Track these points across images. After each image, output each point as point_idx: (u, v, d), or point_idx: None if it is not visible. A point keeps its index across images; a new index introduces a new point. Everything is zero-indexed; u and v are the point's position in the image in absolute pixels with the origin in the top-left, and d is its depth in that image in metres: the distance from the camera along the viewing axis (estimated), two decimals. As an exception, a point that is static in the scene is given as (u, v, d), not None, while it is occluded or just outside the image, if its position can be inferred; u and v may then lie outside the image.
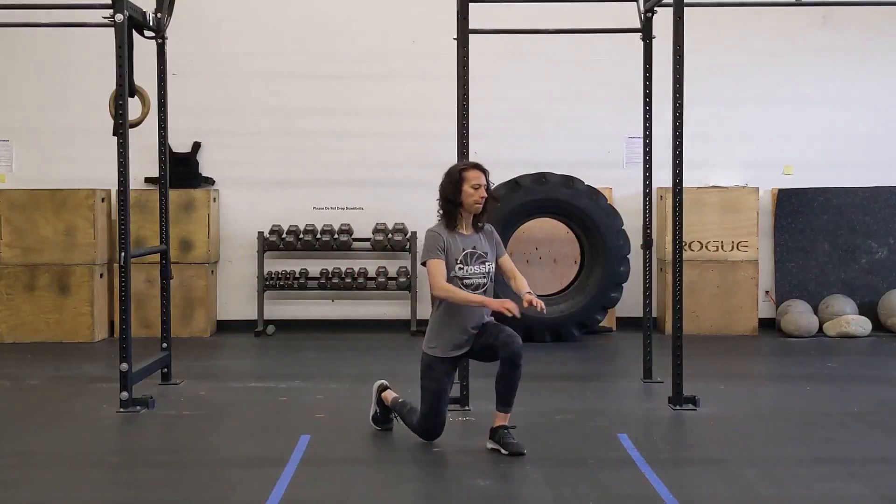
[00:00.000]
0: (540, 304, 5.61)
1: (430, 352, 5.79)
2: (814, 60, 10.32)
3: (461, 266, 5.70)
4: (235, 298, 10.25)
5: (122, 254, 6.63)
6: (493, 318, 5.84)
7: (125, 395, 6.62)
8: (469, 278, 5.72)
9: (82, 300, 9.50)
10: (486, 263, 5.78)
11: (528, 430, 6.21)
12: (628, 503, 4.93)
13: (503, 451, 5.68)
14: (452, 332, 5.74)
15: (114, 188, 7.29)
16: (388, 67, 10.21)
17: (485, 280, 5.77)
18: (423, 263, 5.72)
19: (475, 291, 5.72)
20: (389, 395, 6.12)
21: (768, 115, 10.29)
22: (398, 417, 6.08)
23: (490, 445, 5.78)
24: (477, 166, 5.77)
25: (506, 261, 5.96)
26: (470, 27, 6.78)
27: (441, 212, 5.79)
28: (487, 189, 5.75)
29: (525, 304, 5.63)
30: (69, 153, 10.06)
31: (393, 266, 10.11)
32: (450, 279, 5.67)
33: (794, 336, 9.69)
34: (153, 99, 7.45)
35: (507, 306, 5.53)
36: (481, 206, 5.73)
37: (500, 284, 6.73)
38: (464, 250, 5.73)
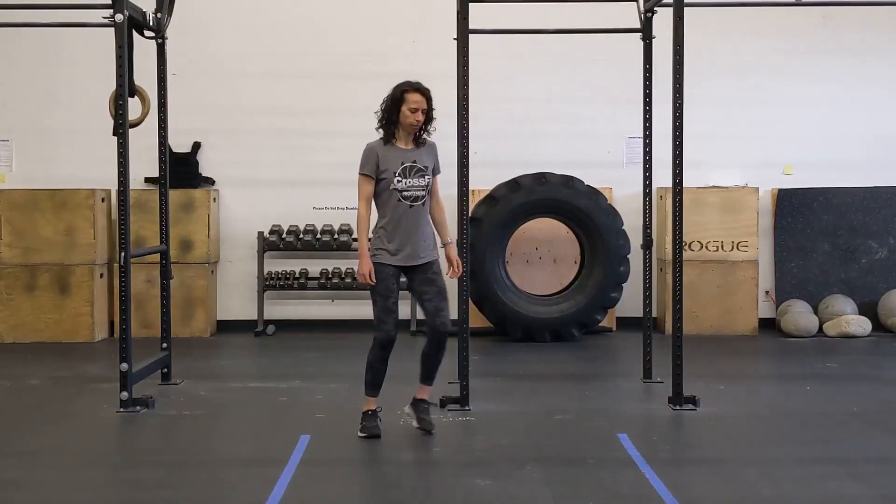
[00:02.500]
0: (455, 271, 6.07)
1: (375, 258, 5.94)
2: (814, 60, 10.32)
3: (399, 179, 5.93)
4: (235, 298, 10.25)
5: (122, 254, 6.64)
6: (435, 260, 6.03)
7: (125, 395, 6.62)
8: (408, 190, 5.95)
9: (82, 300, 9.50)
10: (426, 177, 6.00)
11: (529, 430, 6.22)
12: (628, 503, 4.93)
13: (415, 423, 6.08)
14: (392, 243, 5.92)
15: (114, 188, 7.29)
16: (388, 67, 10.14)
17: (423, 193, 5.99)
18: (383, 184, 5.95)
19: (413, 203, 5.94)
20: (372, 402, 6.09)
21: (768, 115, 10.29)
22: (371, 375, 6.01)
23: (407, 411, 6.17)
24: (419, 89, 5.96)
25: (436, 182, 6.14)
26: (470, 27, 6.78)
27: (379, 124, 6.01)
28: (428, 112, 5.96)
29: (450, 257, 6.06)
30: (69, 153, 10.06)
31: (393, 266, 10.09)
32: (389, 191, 5.91)
33: (794, 336, 9.69)
34: (153, 99, 7.45)
35: (364, 279, 5.87)
36: (416, 128, 5.96)
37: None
38: (402, 164, 5.95)
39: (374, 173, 5.94)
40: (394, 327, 5.93)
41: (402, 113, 5.93)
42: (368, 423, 6.00)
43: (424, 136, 6.05)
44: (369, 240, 5.97)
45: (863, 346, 9.37)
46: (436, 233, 6.13)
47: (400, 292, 6.04)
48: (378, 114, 6.03)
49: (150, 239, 9.19)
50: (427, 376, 6.10)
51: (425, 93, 5.96)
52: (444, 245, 6.10)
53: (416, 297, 6.16)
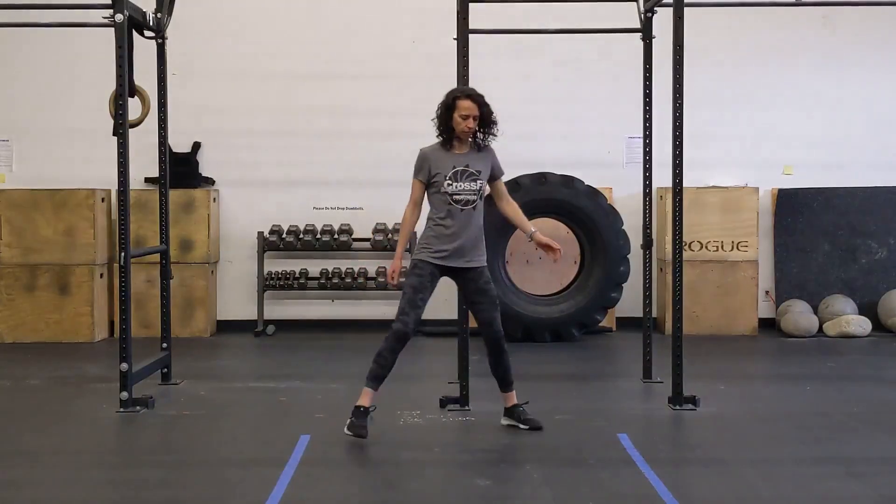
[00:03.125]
0: (548, 241, 6.16)
1: (418, 255, 6.09)
2: (814, 60, 10.33)
3: (450, 182, 6.00)
4: (235, 298, 10.25)
5: (122, 254, 6.63)
6: (484, 267, 6.18)
7: (125, 395, 6.62)
8: (458, 194, 6.01)
9: (82, 300, 9.50)
10: (477, 181, 6.04)
11: (529, 430, 6.21)
12: (628, 503, 4.93)
13: (522, 426, 6.12)
14: (438, 242, 6.04)
15: (114, 188, 7.29)
16: (388, 67, 10.21)
17: (474, 197, 6.04)
18: (434, 185, 6.06)
19: (465, 207, 6.01)
20: (368, 394, 6.03)
21: (768, 115, 10.29)
22: (377, 366, 5.99)
23: (505, 422, 6.22)
24: (470, 96, 6.01)
25: (500, 184, 6.24)
26: (470, 27, 6.78)
27: (437, 131, 6.08)
28: (483, 116, 5.98)
29: (542, 243, 6.17)
30: (69, 153, 10.06)
31: (393, 266, 10.09)
32: (440, 194, 6.00)
33: (793, 336, 9.69)
34: (153, 99, 7.45)
35: (389, 278, 6.12)
36: (469, 134, 6.00)
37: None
38: (454, 167, 6.00)
39: (426, 178, 6.03)
40: (413, 322, 5.97)
41: (454, 120, 5.99)
42: (358, 420, 5.90)
43: (483, 140, 6.08)
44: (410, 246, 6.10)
45: (863, 346, 9.37)
46: (520, 226, 6.28)
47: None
48: (434, 120, 6.09)
49: (150, 239, 9.19)
50: (505, 384, 6.22)
51: (476, 98, 6.00)
52: (531, 236, 6.19)
53: (469, 306, 6.26)
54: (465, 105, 5.97)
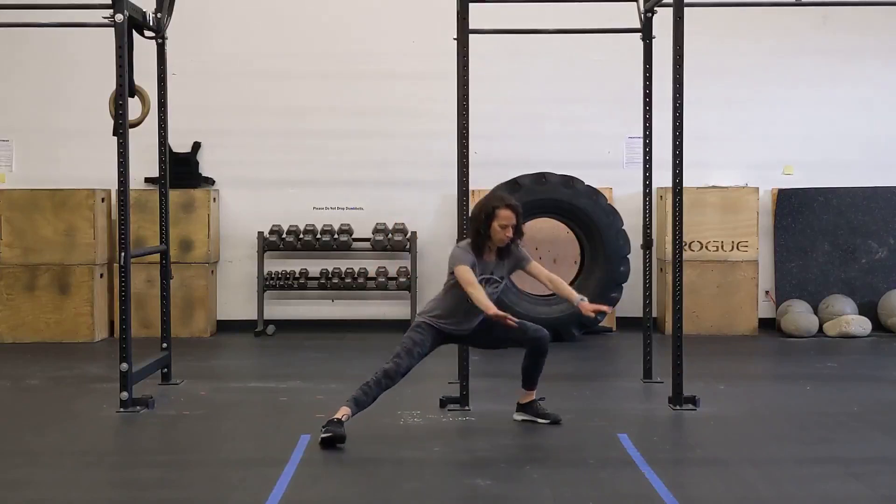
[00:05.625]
0: (601, 307, 6.32)
1: (425, 317, 6.18)
2: (814, 60, 10.32)
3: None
4: (235, 298, 10.25)
5: (122, 254, 6.63)
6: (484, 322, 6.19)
7: (125, 395, 6.62)
8: None
9: (82, 300, 9.50)
10: (498, 286, 6.20)
11: (529, 429, 6.22)
12: (628, 503, 4.93)
13: (540, 420, 6.26)
14: (449, 316, 6.14)
15: (114, 188, 7.28)
16: (389, 67, 10.21)
17: (492, 299, 6.11)
18: (452, 271, 6.06)
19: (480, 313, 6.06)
20: (345, 413, 5.94)
21: (768, 115, 10.29)
22: (361, 393, 5.97)
23: (519, 417, 6.34)
24: (510, 206, 6.05)
25: (535, 267, 6.29)
26: (470, 27, 6.77)
27: (471, 236, 6.11)
28: (517, 228, 6.06)
29: (588, 313, 6.17)
30: (69, 153, 10.06)
31: (393, 266, 10.11)
32: (466, 304, 6.02)
33: (794, 336, 9.69)
34: (153, 99, 7.45)
35: (508, 322, 5.88)
36: (506, 243, 6.08)
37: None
38: (482, 274, 6.09)
39: (472, 267, 6.02)
40: (405, 369, 6.06)
41: (492, 228, 6.02)
42: (333, 427, 5.81)
43: (512, 248, 6.13)
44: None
45: (863, 346, 9.37)
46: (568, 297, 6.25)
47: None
48: (469, 224, 6.19)
49: (150, 239, 9.19)
50: (532, 382, 6.29)
51: (515, 208, 6.06)
52: (579, 304, 6.15)
53: (496, 344, 6.37)
54: (506, 215, 6.01)
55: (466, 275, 5.97)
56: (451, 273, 6.08)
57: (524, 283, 9.70)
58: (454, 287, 6.08)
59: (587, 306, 6.16)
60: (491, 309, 5.88)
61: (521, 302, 9.47)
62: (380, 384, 6.01)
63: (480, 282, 6.02)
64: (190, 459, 5.71)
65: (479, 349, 6.63)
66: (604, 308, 6.41)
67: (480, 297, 5.92)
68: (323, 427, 5.83)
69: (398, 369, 6.02)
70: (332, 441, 5.78)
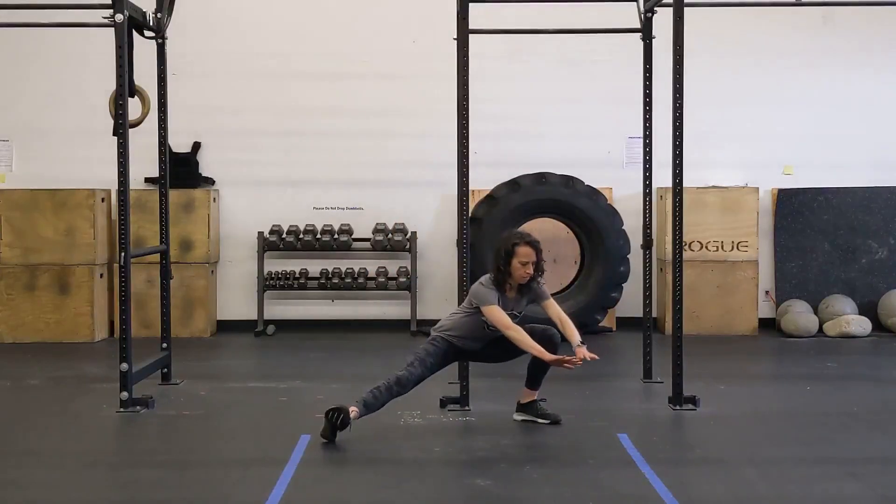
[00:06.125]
0: (592, 356, 6.04)
1: (441, 332, 6.22)
2: (814, 60, 10.32)
3: None
4: (235, 298, 10.25)
5: (122, 254, 6.63)
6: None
7: (125, 395, 6.62)
8: (498, 331, 6.10)
9: (82, 300, 9.50)
10: (515, 321, 6.15)
11: (529, 429, 6.22)
12: (628, 503, 4.93)
13: (540, 420, 6.27)
14: (466, 337, 6.20)
15: (114, 188, 7.29)
16: (388, 67, 10.21)
17: None
18: (478, 308, 6.10)
19: (496, 331, 6.11)
20: (353, 410, 5.95)
21: (768, 115, 10.29)
22: (371, 396, 5.98)
23: (519, 417, 6.36)
24: (530, 243, 6.10)
25: (550, 305, 6.30)
26: (470, 27, 6.77)
27: (492, 273, 6.14)
28: (537, 264, 6.11)
29: (578, 359, 6.03)
30: (69, 153, 10.06)
31: (393, 266, 10.11)
32: (482, 323, 6.12)
33: (794, 336, 9.69)
34: (153, 99, 7.45)
35: (565, 363, 5.93)
36: (526, 279, 6.12)
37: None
38: (503, 310, 6.10)
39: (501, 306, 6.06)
40: (417, 379, 6.10)
41: (512, 265, 6.07)
42: (342, 412, 5.83)
43: (532, 285, 6.17)
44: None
45: (863, 346, 9.37)
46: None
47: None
48: (492, 264, 6.17)
49: (150, 239, 9.19)
50: (536, 382, 6.31)
51: (535, 245, 6.11)
52: (576, 348, 6.10)
53: (509, 356, 6.35)
54: (525, 252, 6.06)
55: (501, 318, 6.02)
56: (475, 306, 6.12)
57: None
58: (476, 314, 6.13)
59: (583, 352, 6.04)
60: (546, 355, 5.95)
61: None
62: (391, 390, 6.03)
63: None
64: (190, 459, 5.71)
65: (491, 363, 6.52)
66: (595, 357, 6.11)
67: (525, 340, 5.98)
68: (329, 409, 5.85)
69: (410, 377, 6.06)
70: (337, 417, 5.78)
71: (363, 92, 10.21)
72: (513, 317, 6.14)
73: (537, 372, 6.30)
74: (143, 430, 6.35)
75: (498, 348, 6.27)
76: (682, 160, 6.63)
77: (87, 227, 9.51)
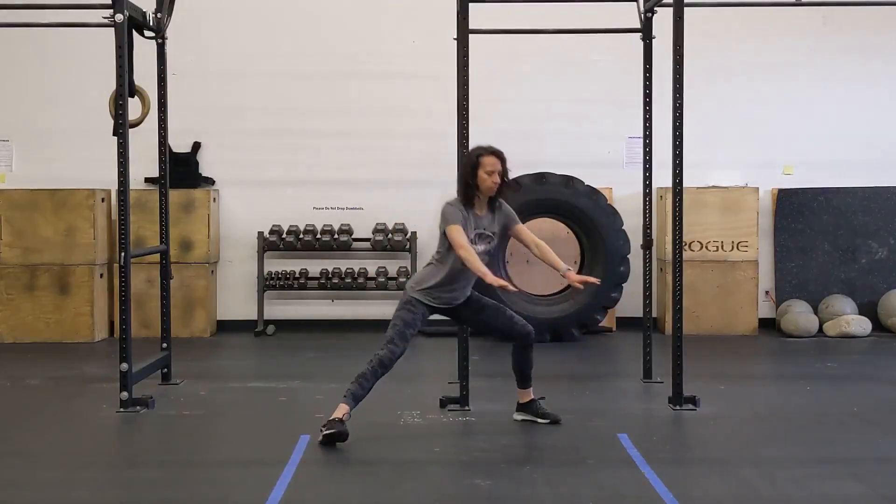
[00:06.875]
0: (588, 279, 6.26)
1: (414, 293, 6.11)
2: (814, 60, 10.33)
3: (472, 243, 6.03)
4: (235, 298, 10.25)
5: (122, 254, 6.63)
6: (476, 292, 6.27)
7: (125, 395, 6.62)
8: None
9: (82, 300, 9.50)
10: (491, 242, 6.17)
11: (529, 429, 6.22)
12: (628, 503, 4.93)
13: (540, 420, 6.26)
14: (440, 286, 6.08)
15: (114, 188, 7.29)
16: (388, 67, 10.21)
17: (486, 258, 6.12)
18: (444, 232, 6.02)
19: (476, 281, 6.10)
20: (344, 411, 5.92)
21: (768, 115, 10.29)
22: (357, 386, 5.94)
23: (519, 417, 6.35)
24: (494, 153, 6.08)
25: (521, 230, 6.31)
26: (470, 27, 6.78)
27: (460, 191, 6.11)
28: (504, 174, 6.06)
29: (577, 284, 6.17)
30: (69, 153, 10.06)
31: (393, 266, 10.11)
32: (459, 270, 6.01)
33: (794, 336, 9.69)
34: (153, 99, 7.45)
35: (504, 286, 5.91)
36: (494, 190, 6.07)
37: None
38: (475, 229, 6.09)
39: (464, 226, 5.99)
40: (400, 353, 6.03)
41: (479, 177, 6.04)
42: (337, 425, 5.80)
43: (500, 199, 6.15)
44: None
45: (863, 346, 9.37)
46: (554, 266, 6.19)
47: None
48: (458, 181, 6.16)
49: (150, 239, 9.19)
50: (525, 380, 6.31)
51: (500, 155, 6.08)
52: (565, 274, 6.12)
53: (479, 328, 6.43)
54: (490, 161, 6.04)
55: (459, 237, 5.93)
56: (444, 234, 6.04)
57: (524, 283, 9.71)
58: (449, 253, 6.05)
59: (573, 277, 6.14)
60: (488, 276, 5.85)
61: (521, 302, 9.46)
62: (376, 374, 5.99)
63: (473, 238, 6.01)
64: (190, 459, 5.71)
65: (473, 335, 6.53)
66: (591, 280, 6.28)
67: (475, 261, 5.89)
68: (323, 427, 5.83)
69: (392, 356, 6.00)
70: (334, 438, 5.77)
71: (363, 92, 10.21)
72: (486, 237, 6.10)
73: (521, 368, 6.28)
74: (143, 430, 6.35)
75: (475, 316, 6.23)
76: (682, 160, 6.63)
77: (87, 227, 9.51)
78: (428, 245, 10.19)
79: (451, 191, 7.12)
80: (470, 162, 6.08)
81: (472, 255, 5.91)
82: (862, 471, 5.33)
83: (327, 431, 5.78)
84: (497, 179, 6.04)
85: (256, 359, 9.06)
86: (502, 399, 6.79)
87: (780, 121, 10.30)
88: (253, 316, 10.12)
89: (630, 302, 9.62)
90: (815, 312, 9.95)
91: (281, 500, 4.91)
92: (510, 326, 6.19)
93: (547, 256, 6.22)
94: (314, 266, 10.10)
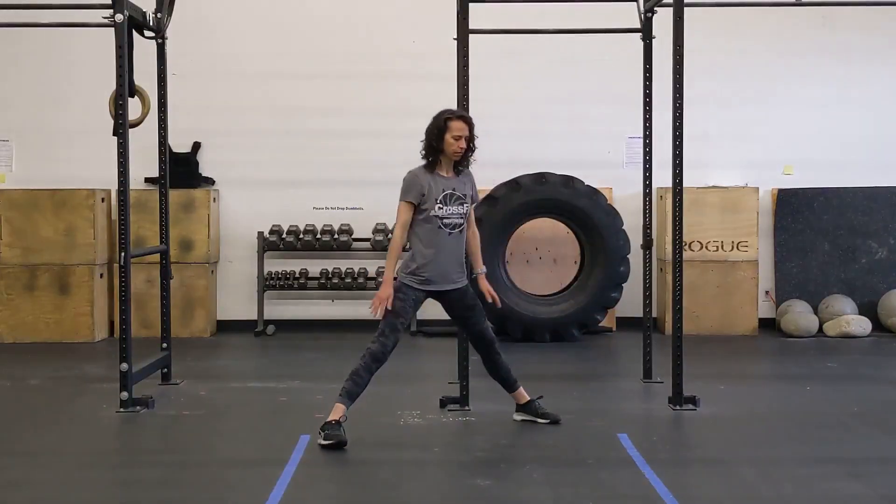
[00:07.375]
0: (494, 295, 6.24)
1: (403, 280, 6.05)
2: (814, 60, 10.33)
3: (440, 206, 6.00)
4: (235, 298, 10.25)
5: (122, 254, 6.63)
6: (467, 282, 6.22)
7: (125, 395, 6.62)
8: (448, 218, 6.02)
9: (82, 300, 9.50)
10: (464, 205, 6.10)
11: (529, 429, 6.22)
12: (628, 503, 4.93)
13: (540, 420, 6.24)
14: (424, 269, 6.02)
15: (114, 188, 7.29)
16: (388, 67, 10.21)
17: (461, 221, 6.09)
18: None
19: (452, 231, 6.04)
20: (341, 411, 5.90)
21: (768, 115, 10.29)
22: (352, 383, 5.91)
23: (519, 417, 6.32)
24: (462, 117, 6.07)
25: (471, 212, 6.25)
26: (470, 27, 6.78)
27: (423, 153, 6.07)
28: (470, 140, 6.04)
29: (486, 293, 6.22)
30: (69, 153, 10.06)
31: (393, 266, 10.10)
32: (429, 218, 5.98)
33: (794, 336, 9.69)
34: (153, 99, 7.45)
35: (380, 302, 5.92)
36: (459, 155, 6.04)
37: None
38: (444, 191, 6.02)
39: (418, 200, 5.98)
40: (392, 345, 5.98)
41: (445, 141, 6.01)
42: (333, 430, 5.76)
43: (464, 165, 6.12)
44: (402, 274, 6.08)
45: (863, 346, 9.37)
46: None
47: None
48: (422, 142, 6.08)
49: (150, 239, 9.19)
50: (509, 384, 6.31)
51: (468, 121, 6.07)
52: (476, 275, 6.19)
53: (460, 323, 6.34)
54: (458, 126, 6.01)
55: (402, 215, 5.96)
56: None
57: (524, 283, 9.72)
58: (420, 225, 6.00)
59: (484, 284, 6.19)
60: (385, 286, 5.87)
61: (521, 302, 9.47)
62: (369, 369, 5.94)
63: (443, 198, 5.97)
64: (190, 459, 5.71)
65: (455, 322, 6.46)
66: (496, 299, 6.24)
67: (393, 247, 5.94)
68: (321, 431, 5.80)
69: (384, 349, 5.95)
70: (333, 448, 5.74)
71: (363, 92, 10.21)
72: (457, 198, 6.01)
73: (497, 372, 6.28)
74: (143, 430, 6.35)
75: (452, 310, 6.19)
76: (682, 160, 6.63)
77: (87, 227, 9.51)
78: (428, 245, 10.19)
79: (451, 191, 7.12)
80: (437, 124, 6.03)
81: (399, 239, 5.95)
82: (862, 471, 5.33)
83: (325, 442, 5.75)
84: (463, 145, 6.01)
85: (256, 359, 9.06)
86: (502, 399, 6.78)
87: (779, 121, 10.30)
88: (253, 316, 10.12)
89: (630, 302, 9.61)
90: (815, 312, 9.95)
91: (281, 500, 4.91)
92: (484, 332, 6.20)
93: (471, 249, 6.22)
94: (314, 266, 10.10)
